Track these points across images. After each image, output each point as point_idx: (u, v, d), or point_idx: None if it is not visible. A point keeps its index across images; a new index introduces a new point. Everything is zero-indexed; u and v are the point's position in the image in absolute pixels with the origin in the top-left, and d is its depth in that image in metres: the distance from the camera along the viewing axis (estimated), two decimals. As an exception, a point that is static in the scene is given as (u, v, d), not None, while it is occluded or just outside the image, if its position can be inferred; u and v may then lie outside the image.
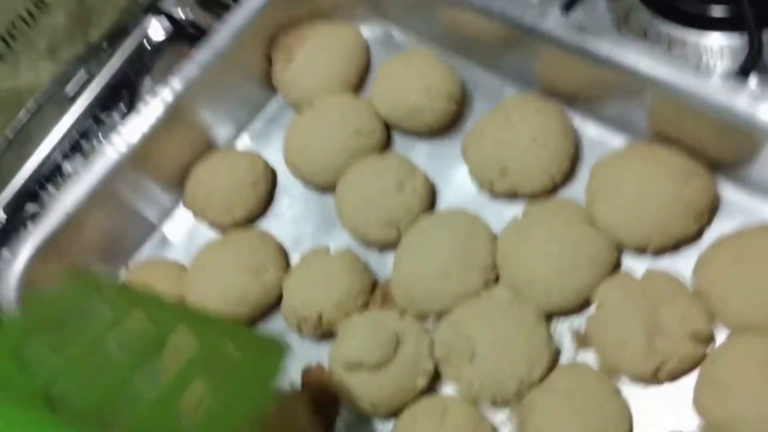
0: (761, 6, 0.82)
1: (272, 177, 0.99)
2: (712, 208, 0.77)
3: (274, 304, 0.89)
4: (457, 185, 0.90)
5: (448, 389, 0.79)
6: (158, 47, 1.14)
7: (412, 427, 0.75)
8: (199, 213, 0.96)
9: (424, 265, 0.82)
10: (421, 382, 0.78)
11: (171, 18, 1.14)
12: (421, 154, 0.94)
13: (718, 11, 0.86)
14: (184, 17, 1.14)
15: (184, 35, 1.12)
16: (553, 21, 0.80)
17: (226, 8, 1.03)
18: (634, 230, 0.77)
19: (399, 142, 0.96)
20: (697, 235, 0.77)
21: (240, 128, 1.04)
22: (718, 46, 0.86)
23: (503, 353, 0.74)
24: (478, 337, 0.76)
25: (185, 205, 0.98)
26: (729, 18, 0.86)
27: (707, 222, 0.77)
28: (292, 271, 0.88)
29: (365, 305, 0.85)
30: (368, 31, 1.03)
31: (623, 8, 0.93)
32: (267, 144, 1.02)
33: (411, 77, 0.91)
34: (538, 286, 0.77)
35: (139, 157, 0.94)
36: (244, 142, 1.04)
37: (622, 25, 0.93)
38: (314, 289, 0.84)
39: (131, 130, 0.93)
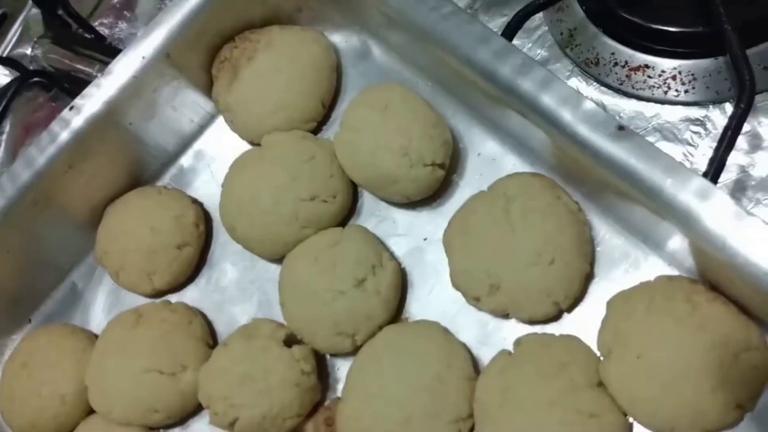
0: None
1: (206, 227, 0.78)
2: (761, 390, 0.58)
3: (197, 407, 0.72)
4: (439, 276, 0.69)
5: None
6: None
7: None
8: (111, 273, 0.77)
9: (381, 406, 0.63)
10: None
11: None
12: (397, 222, 0.72)
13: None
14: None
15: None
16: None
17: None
18: (654, 412, 0.57)
19: (368, 203, 0.74)
20: (737, 422, 0.58)
21: (180, 148, 0.82)
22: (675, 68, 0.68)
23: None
24: None
25: (96, 259, 0.79)
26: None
27: (752, 408, 0.58)
28: (216, 354, 0.69)
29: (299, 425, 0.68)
30: (340, 39, 0.79)
31: (567, 28, 0.73)
32: (205, 177, 0.80)
33: (386, 131, 0.68)
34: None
35: (42, 192, 0.74)
36: (178, 171, 0.82)
37: (567, 46, 0.73)
38: (240, 388, 0.66)
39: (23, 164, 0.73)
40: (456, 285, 0.67)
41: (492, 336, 0.66)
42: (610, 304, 0.62)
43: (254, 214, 0.71)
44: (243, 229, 0.72)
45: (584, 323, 0.64)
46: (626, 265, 0.64)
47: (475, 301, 0.66)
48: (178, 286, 0.77)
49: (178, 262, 0.75)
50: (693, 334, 0.57)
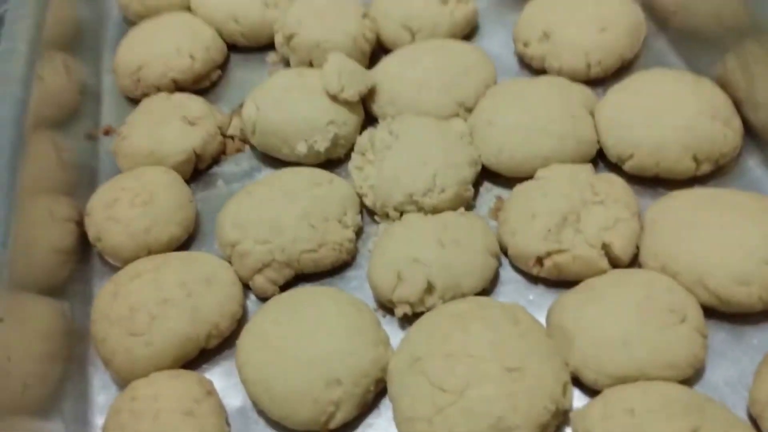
0: None
1: None
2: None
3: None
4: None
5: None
6: None
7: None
8: None
9: (409, 69, 0.74)
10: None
11: None
12: None
13: None
14: None
15: None
16: None
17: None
18: (622, 141, 0.66)
19: None
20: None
21: None
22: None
23: (413, 165, 0.65)
24: (402, 141, 0.67)
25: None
26: None
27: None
28: None
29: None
30: None
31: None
32: None
33: None
34: (496, 139, 0.68)
35: None
36: None
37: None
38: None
39: None
40: (515, 34, 0.79)
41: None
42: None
43: None
44: None
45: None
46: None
47: (523, 46, 0.77)
48: None
49: None
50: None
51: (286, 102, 0.72)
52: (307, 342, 0.55)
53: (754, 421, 0.51)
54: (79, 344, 0.63)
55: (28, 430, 0.54)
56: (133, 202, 0.66)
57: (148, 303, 0.59)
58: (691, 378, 0.53)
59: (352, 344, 0.55)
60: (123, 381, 0.58)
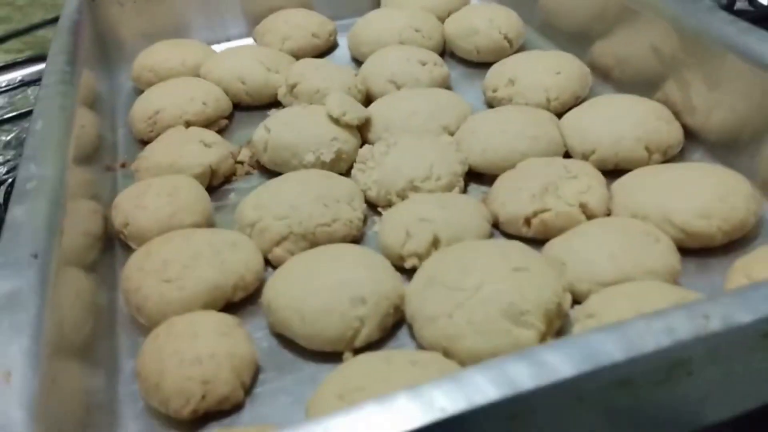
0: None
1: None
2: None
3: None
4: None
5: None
6: None
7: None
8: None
9: (399, 102, 0.88)
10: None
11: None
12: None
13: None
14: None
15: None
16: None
17: None
18: (585, 140, 0.78)
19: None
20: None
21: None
22: None
23: (412, 158, 0.76)
24: (399, 145, 0.78)
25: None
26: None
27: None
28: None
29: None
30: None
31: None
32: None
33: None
34: (479, 142, 0.80)
35: None
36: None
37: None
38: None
39: None
40: (485, 86, 0.93)
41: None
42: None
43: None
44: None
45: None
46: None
47: (492, 91, 0.91)
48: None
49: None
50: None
51: (294, 122, 0.83)
52: (332, 270, 0.62)
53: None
54: (107, 318, 0.67)
55: (71, 368, 0.56)
56: (159, 194, 0.73)
57: (180, 256, 0.65)
58: (670, 289, 0.61)
59: (372, 273, 0.62)
60: (154, 327, 0.62)
